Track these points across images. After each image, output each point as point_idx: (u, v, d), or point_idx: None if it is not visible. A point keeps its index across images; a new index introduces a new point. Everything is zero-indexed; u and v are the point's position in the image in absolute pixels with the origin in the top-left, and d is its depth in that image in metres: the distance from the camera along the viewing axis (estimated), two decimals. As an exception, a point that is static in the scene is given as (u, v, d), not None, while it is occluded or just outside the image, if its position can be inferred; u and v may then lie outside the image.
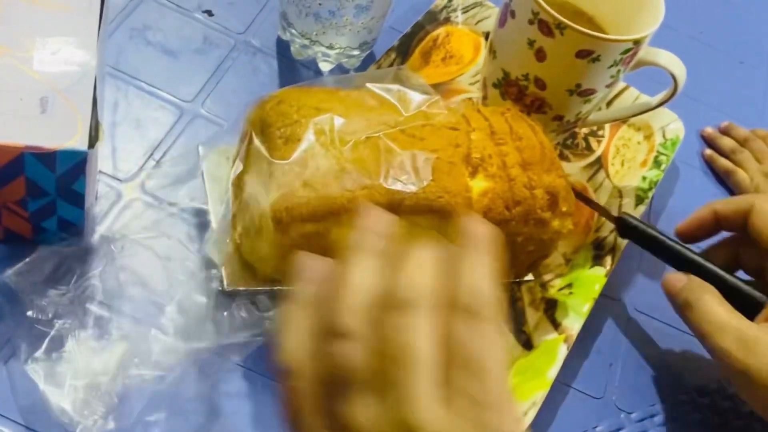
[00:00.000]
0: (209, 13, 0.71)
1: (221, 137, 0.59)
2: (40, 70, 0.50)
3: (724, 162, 0.78)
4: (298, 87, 0.55)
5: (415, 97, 0.53)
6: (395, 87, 0.54)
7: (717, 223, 0.60)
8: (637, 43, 0.60)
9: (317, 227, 0.49)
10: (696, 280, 0.56)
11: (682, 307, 0.55)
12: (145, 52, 0.67)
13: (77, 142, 0.48)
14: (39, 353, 0.48)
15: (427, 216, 0.51)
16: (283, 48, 0.71)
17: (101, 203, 0.56)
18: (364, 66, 0.72)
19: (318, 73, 0.71)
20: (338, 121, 0.51)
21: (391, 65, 0.71)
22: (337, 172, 0.49)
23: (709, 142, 0.80)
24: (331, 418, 0.31)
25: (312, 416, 0.32)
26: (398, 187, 0.50)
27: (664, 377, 0.62)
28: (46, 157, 0.47)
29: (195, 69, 0.68)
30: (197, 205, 0.57)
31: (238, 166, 0.50)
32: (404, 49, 0.72)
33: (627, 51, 0.60)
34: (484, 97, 0.70)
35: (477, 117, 0.56)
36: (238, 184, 0.51)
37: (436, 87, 0.70)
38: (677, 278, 0.56)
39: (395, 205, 0.50)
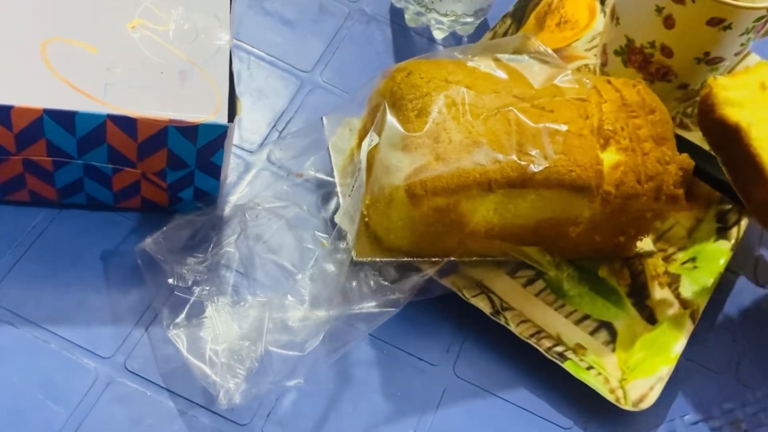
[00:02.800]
0: (324, -19, 0.72)
1: (343, 109, 0.60)
2: (176, 44, 0.51)
3: None
4: (426, 58, 0.55)
5: (544, 69, 0.53)
6: (524, 58, 0.54)
7: None
8: (772, 10, 0.57)
9: (448, 200, 0.49)
10: None
11: None
12: (264, 22, 0.68)
13: (218, 116, 0.49)
14: (180, 319, 0.50)
15: (558, 189, 0.51)
16: (396, 16, 0.71)
17: (231, 174, 0.57)
18: (477, 33, 0.71)
19: (431, 40, 0.71)
20: (469, 94, 0.50)
21: (505, 33, 0.70)
22: (469, 145, 0.49)
23: None
24: None
25: None
26: (529, 161, 0.49)
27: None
28: (189, 131, 0.48)
29: (312, 38, 0.68)
30: (322, 176, 0.58)
31: (374, 139, 0.50)
32: (519, 16, 0.71)
33: (760, 19, 0.58)
34: (603, 64, 0.68)
35: (608, 88, 0.55)
36: (371, 156, 0.51)
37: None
38: None
39: (526, 179, 0.50)
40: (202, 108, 0.49)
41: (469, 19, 0.70)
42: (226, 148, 0.51)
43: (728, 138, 0.53)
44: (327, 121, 0.59)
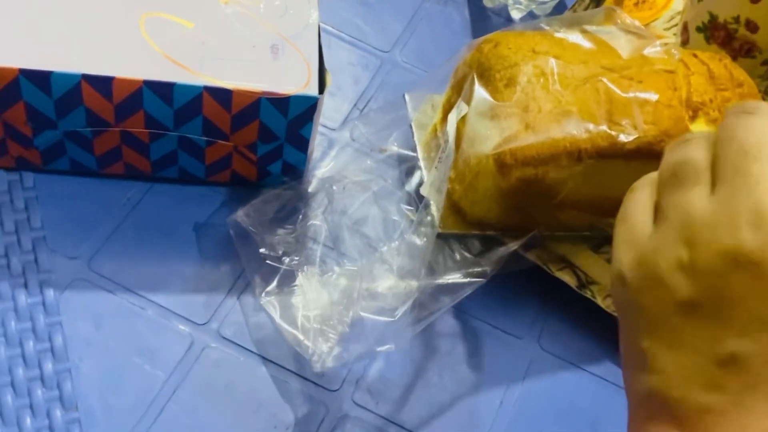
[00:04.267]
0: (402, -38, 0.72)
1: (424, 86, 0.60)
2: (267, 19, 0.52)
3: None
4: (513, 30, 0.55)
5: (631, 40, 0.52)
6: (612, 29, 0.53)
7: None
8: None
9: (537, 171, 0.49)
10: None
11: None
12: (344, 3, 0.69)
13: (308, 88, 0.50)
14: (271, 287, 0.51)
15: (649, 160, 0.50)
16: (473, -5, 0.72)
17: (316, 150, 0.58)
18: (554, 13, 0.71)
19: (509, 20, 0.71)
20: (557, 64, 0.50)
21: (586, 9, 0.69)
22: (558, 114, 0.49)
23: None
24: (660, 210, 0.34)
25: (642, 212, 0.35)
26: (619, 130, 0.49)
27: None
28: (281, 102, 0.49)
29: (390, 18, 0.69)
30: (404, 152, 0.59)
31: (463, 108, 0.50)
32: (597, -5, 0.71)
33: None
34: (684, 42, 0.68)
35: (695, 62, 0.54)
36: (460, 126, 0.52)
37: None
38: None
39: (617, 149, 0.49)
40: (293, 81, 0.50)
41: (546, -1, 0.70)
42: (315, 120, 0.51)
43: None
44: (409, 98, 0.60)
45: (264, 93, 0.49)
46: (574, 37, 0.53)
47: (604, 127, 0.49)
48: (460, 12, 0.71)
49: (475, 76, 0.50)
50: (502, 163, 0.49)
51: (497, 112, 0.49)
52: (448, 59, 0.58)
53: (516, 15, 0.71)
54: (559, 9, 0.71)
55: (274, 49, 0.51)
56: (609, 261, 0.57)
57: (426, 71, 0.66)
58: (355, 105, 0.63)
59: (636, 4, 0.73)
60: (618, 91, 0.50)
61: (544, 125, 0.49)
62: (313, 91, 0.50)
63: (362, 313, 0.48)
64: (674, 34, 0.70)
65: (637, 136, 0.50)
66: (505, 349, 0.54)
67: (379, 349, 0.48)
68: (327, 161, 0.58)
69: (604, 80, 0.50)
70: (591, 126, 0.49)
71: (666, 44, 0.68)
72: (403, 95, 0.60)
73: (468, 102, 0.50)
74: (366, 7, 0.69)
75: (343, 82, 0.64)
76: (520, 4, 0.70)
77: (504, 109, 0.49)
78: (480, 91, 0.50)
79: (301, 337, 0.48)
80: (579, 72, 0.51)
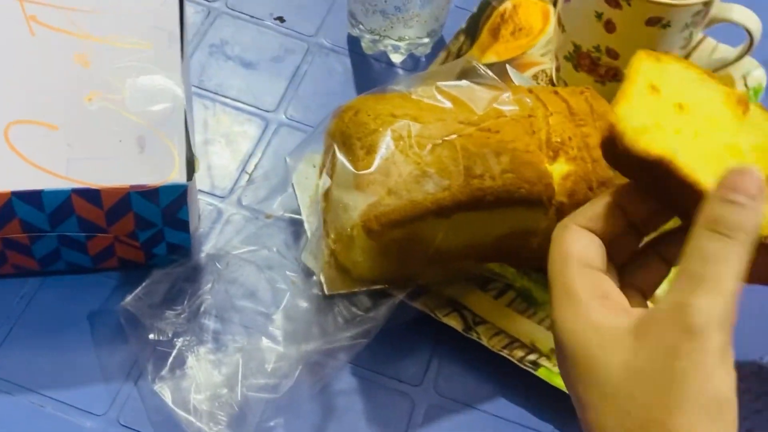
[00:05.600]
0: (281, 19, 0.74)
1: (306, 146, 0.62)
2: (133, 110, 0.54)
3: None
4: (373, 94, 0.57)
5: (484, 94, 0.55)
6: (465, 83, 0.56)
7: None
8: (706, 4, 0.59)
9: (404, 231, 0.51)
10: None
11: None
12: (226, 67, 0.70)
13: (177, 175, 0.51)
14: (164, 372, 0.53)
15: (511, 208, 0.53)
16: (354, 45, 0.73)
17: (204, 222, 0.60)
18: (435, 51, 0.73)
19: (390, 64, 0.73)
20: (415, 127, 0.52)
21: (460, 48, 0.72)
22: (419, 176, 0.51)
23: None
24: None
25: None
26: (479, 184, 0.51)
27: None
28: (150, 194, 0.51)
29: (274, 77, 0.70)
30: (291, 215, 0.60)
31: (326, 181, 0.52)
32: (473, 30, 0.73)
33: (698, 13, 0.60)
34: (557, 69, 0.70)
35: (554, 99, 0.57)
36: (327, 196, 0.54)
37: (509, 62, 0.71)
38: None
39: (477, 202, 0.52)
40: (161, 170, 0.51)
41: (424, 41, 0.72)
42: (189, 204, 0.53)
43: (649, 170, 0.42)
44: (291, 160, 0.62)
45: (132, 187, 0.50)
46: (431, 96, 0.54)
47: (462, 182, 0.51)
48: (341, 62, 0.73)
49: (336, 148, 0.52)
50: (369, 229, 0.51)
51: (360, 180, 0.51)
52: (325, 117, 0.60)
53: (396, 59, 0.73)
54: (438, 46, 0.73)
55: (141, 140, 0.52)
56: (496, 297, 0.60)
57: (313, 127, 0.68)
58: (243, 169, 0.65)
59: (512, 33, 0.75)
60: (473, 145, 0.52)
61: (405, 188, 0.51)
62: (181, 178, 0.51)
63: (248, 393, 0.50)
64: (550, 59, 0.72)
65: (495, 185, 0.52)
66: (403, 398, 0.56)
67: (269, 424, 0.50)
68: (216, 233, 0.60)
69: (461, 136, 0.52)
70: (450, 183, 0.51)
71: (536, 77, 0.71)
72: (285, 158, 0.62)
73: (331, 174, 0.52)
74: (249, 69, 0.70)
75: (229, 148, 0.66)
76: (399, 48, 0.72)
77: (366, 177, 0.51)
78: (342, 162, 0.52)
79: (193, 420, 0.50)
80: (437, 131, 0.53)
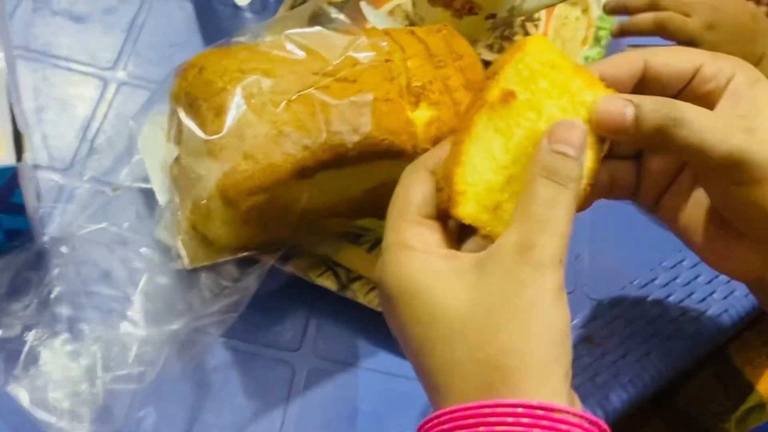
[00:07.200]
0: (110, -35, 0.67)
1: (150, 106, 0.57)
2: (-55, 86, 0.47)
3: (647, 17, 0.74)
4: (218, 48, 0.52)
5: (338, 41, 0.51)
6: (316, 30, 0.52)
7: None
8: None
9: (266, 196, 0.48)
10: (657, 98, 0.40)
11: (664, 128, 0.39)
12: (54, 23, 0.64)
13: (4, 158, 0.46)
14: (17, 371, 0.48)
15: (376, 162, 0.50)
16: (196, -12, 0.68)
17: (44, 201, 0.55)
18: (284, -9, 0.68)
19: (235, 7, 0.68)
20: (266, 82, 0.49)
21: (310, -13, 0.67)
22: (275, 136, 0.48)
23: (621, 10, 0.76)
24: None
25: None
26: (339, 139, 0.49)
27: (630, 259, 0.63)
28: (-25, 181, 0.45)
29: (109, 30, 0.64)
30: (141, 185, 0.56)
31: (173, 150, 0.48)
32: (322, -34, 0.69)
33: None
34: (414, 4, 0.67)
35: (412, 41, 0.54)
36: (178, 165, 0.49)
37: (363, -1, 0.67)
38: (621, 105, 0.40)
39: (340, 159, 0.49)
40: (-15, 153, 0.46)
41: (270, -21, 0.67)
42: (23, 185, 0.48)
43: None
44: (135, 123, 0.56)
45: (-48, 176, 0.45)
46: (280, 46, 0.51)
47: (323, 140, 0.48)
48: (183, 7, 0.67)
49: (180, 114, 0.48)
50: (228, 199, 0.47)
51: (211, 146, 0.47)
52: (169, 73, 0.55)
53: (242, 2, 0.68)
54: (287, -15, 0.69)
55: (-43, 120, 0.46)
56: (369, 251, 0.58)
57: (156, 84, 0.62)
58: (83, 137, 0.59)
59: (364, -33, 0.72)
60: (331, 98, 0.49)
61: (261, 151, 0.47)
62: (9, 159, 0.46)
63: (110, 386, 0.46)
64: (405, -4, 0.69)
65: (357, 140, 0.49)
66: (282, 365, 0.54)
67: (139, 414, 0.47)
68: (58, 213, 0.55)
69: (316, 90, 0.49)
70: (309, 141, 0.48)
71: (392, 13, 0.68)
72: (128, 122, 0.57)
73: (177, 142, 0.48)
74: (80, 23, 0.64)
75: (65, 114, 0.60)
76: (245, -11, 0.67)
77: (218, 142, 0.47)
78: (189, 126, 0.48)
79: (53, 420, 0.46)
80: (290, 85, 0.49)
